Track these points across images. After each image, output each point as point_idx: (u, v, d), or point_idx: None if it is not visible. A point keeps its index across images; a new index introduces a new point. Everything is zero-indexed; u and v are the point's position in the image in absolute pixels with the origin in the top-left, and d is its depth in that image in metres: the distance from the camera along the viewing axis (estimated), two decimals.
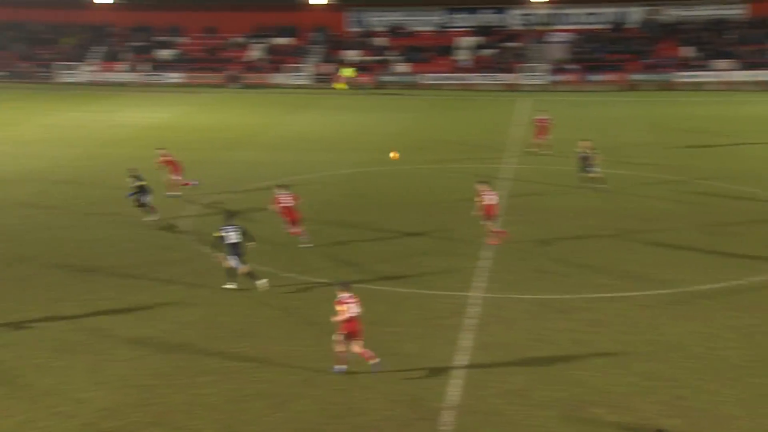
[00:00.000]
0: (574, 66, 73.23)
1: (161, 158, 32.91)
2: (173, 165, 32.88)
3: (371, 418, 15.51)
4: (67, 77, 76.11)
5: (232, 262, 22.13)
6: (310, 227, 27.86)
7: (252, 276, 22.33)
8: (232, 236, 22.13)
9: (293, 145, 44.75)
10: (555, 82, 72.00)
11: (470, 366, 17.67)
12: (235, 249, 22.09)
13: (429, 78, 73.80)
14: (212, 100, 64.71)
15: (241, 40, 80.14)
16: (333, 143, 45.42)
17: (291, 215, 26.44)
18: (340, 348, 17.19)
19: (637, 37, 75.67)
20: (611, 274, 23.49)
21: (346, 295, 17.15)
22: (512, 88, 71.48)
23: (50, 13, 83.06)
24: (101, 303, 21.28)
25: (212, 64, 77.07)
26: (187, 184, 33.07)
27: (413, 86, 72.99)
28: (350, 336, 17.08)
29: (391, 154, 29.96)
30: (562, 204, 31.41)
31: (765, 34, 73.43)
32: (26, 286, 22.51)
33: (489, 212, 26.01)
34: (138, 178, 29.06)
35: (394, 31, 79.64)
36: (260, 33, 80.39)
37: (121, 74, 76.44)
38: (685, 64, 71.97)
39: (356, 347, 17.12)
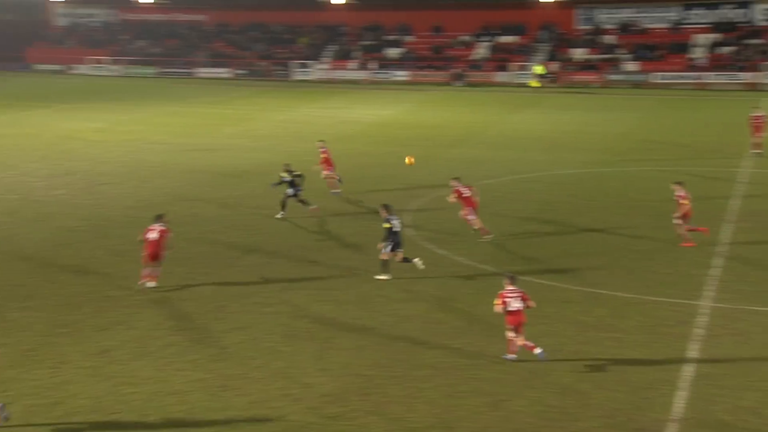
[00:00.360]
0: None
1: (321, 152, 32.92)
2: (327, 160, 32.78)
3: (589, 425, 15.17)
4: (301, 75, 79.91)
5: (388, 250, 22.80)
6: (533, 227, 27.68)
7: (406, 260, 23.05)
8: (397, 225, 22.97)
9: (515, 144, 44.57)
10: None
11: (697, 378, 16.86)
12: (396, 237, 22.88)
13: (660, 77, 71.06)
14: (436, 97, 65.66)
15: (467, 38, 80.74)
16: (555, 143, 44.80)
17: (470, 205, 26.61)
18: (510, 336, 17.76)
19: None
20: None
21: (510, 288, 17.69)
22: (753, 87, 67.34)
23: (289, 15, 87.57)
24: (326, 293, 22.18)
25: (437, 62, 78.18)
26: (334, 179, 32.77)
27: (642, 85, 70.55)
28: (516, 328, 17.59)
29: (407, 160, 27.02)
30: None
31: None
32: (259, 273, 23.85)
33: (685, 214, 25.30)
34: (290, 172, 29.42)
35: (625, 29, 77.29)
36: (487, 31, 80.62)
37: (351, 72, 79.22)
38: None
39: (519, 340, 17.60)
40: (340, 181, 32.94)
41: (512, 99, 64.15)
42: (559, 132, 48.54)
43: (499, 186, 34.63)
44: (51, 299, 21.50)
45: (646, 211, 29.86)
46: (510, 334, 17.70)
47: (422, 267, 23.20)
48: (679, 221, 25.67)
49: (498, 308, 17.70)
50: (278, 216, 29.30)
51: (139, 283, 22.35)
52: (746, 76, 68.43)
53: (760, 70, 68.31)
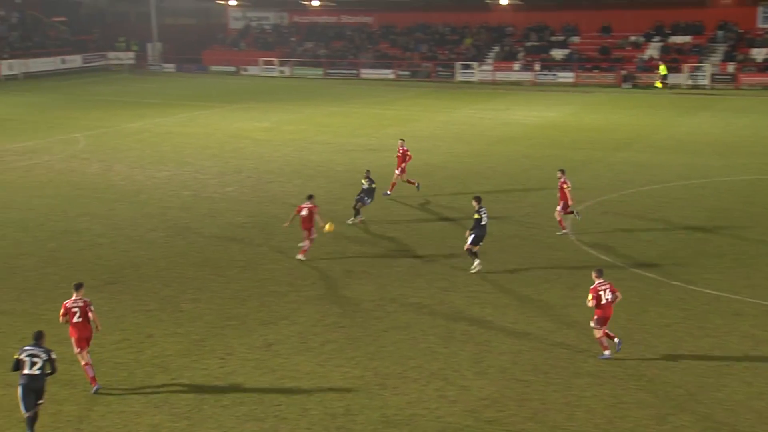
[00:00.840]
0: None
1: (400, 149, 32.92)
2: (401, 158, 32.67)
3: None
4: (464, 76, 79.99)
5: (470, 240, 23.61)
6: (703, 235, 26.74)
7: (473, 254, 23.67)
8: (485, 218, 23.70)
9: (685, 148, 42.98)
10: None
11: None
12: (482, 231, 23.67)
13: None
14: (603, 100, 64.20)
15: (637, 38, 78.49)
16: (730, 147, 42.89)
17: (564, 199, 27.10)
18: (599, 335, 17.84)
19: None
20: None
21: (600, 281, 17.86)
22: None
23: (454, 16, 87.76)
24: (484, 296, 22.17)
25: (605, 63, 76.42)
26: (410, 182, 32.84)
27: None
28: (602, 321, 17.69)
29: (327, 227, 24.85)
30: None
31: None
32: (418, 272, 24.11)
33: None
34: (370, 180, 29.14)
35: None
36: (659, 31, 78.10)
37: (515, 73, 78.62)
38: None
39: (600, 332, 17.78)
40: (417, 187, 32.96)
41: (683, 101, 61.88)
42: (734, 136, 46.44)
43: (667, 191, 33.52)
44: (220, 292, 22.53)
45: None
46: (597, 333, 17.88)
47: (475, 270, 23.73)
48: None
49: (591, 303, 17.82)
50: (349, 221, 29.05)
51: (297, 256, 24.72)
52: None
53: None
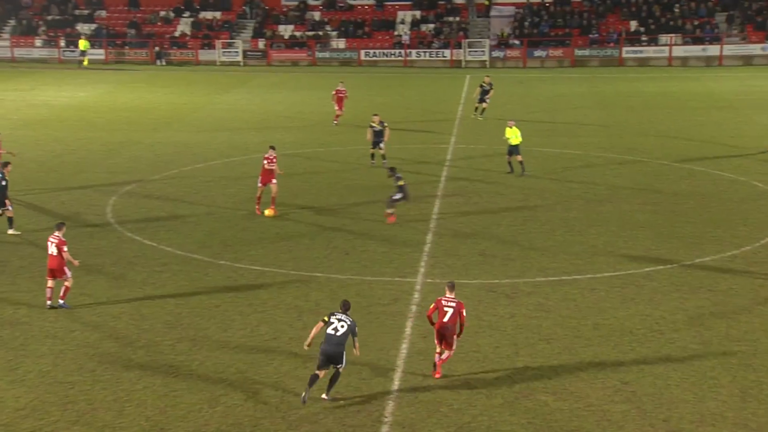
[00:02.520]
0: (517, 41, 73.76)
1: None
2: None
3: (310, 411, 15.51)
4: None
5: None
6: (250, 210, 27.83)
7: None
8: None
9: (224, 126, 44.32)
10: (499, 58, 72.44)
11: (412, 354, 17.78)
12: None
13: (368, 54, 73.63)
14: (137, 78, 63.72)
15: (167, 13, 78.87)
16: (266, 124, 45.09)
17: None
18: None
19: (582, 11, 76.48)
20: (557, 257, 23.82)
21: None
22: (455, 64, 71.75)
23: None
24: (17, 296, 20.89)
25: (136, 39, 75.77)
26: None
27: (352, 63, 72.77)
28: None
29: (267, 211, 27.13)
30: (507, 185, 31.69)
31: (710, 8, 74.81)
32: None
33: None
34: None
35: (331, 5, 79.19)
36: (189, 6, 79.21)
37: (37, 49, 74.72)
38: (631, 39, 72.98)
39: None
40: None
41: (219, 78, 63.72)
42: (269, 112, 48.91)
43: (210, 170, 34.32)
44: None
45: (362, 192, 30.87)
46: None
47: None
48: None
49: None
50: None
51: None
52: (448, 54, 72.74)
53: (461, 48, 72.89)
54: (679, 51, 71.04)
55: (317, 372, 15.70)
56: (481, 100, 44.72)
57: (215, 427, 15.07)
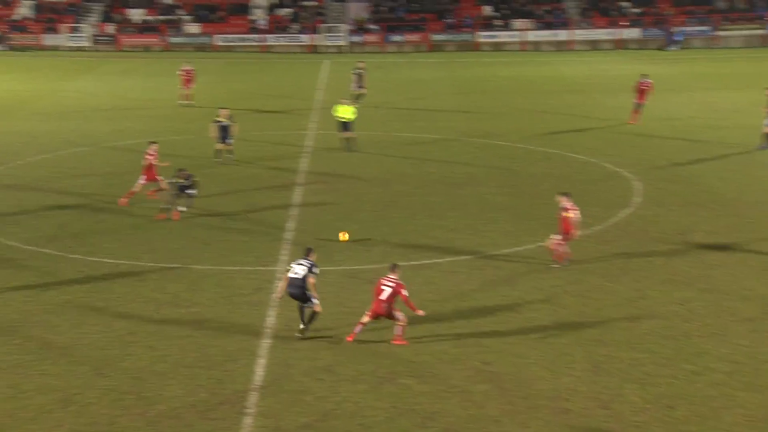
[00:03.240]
0: (375, 26, 74.24)
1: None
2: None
3: (170, 407, 15.24)
4: None
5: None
6: (97, 203, 27.04)
7: None
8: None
9: (72, 114, 42.89)
10: (356, 43, 72.75)
11: (275, 344, 17.72)
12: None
13: (223, 39, 72.57)
14: None
15: None
16: (116, 111, 43.87)
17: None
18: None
19: None
20: (417, 241, 24.16)
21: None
22: (313, 49, 71.62)
23: None
24: None
25: None
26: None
27: (207, 48, 71.56)
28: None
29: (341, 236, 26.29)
30: (367, 170, 31.93)
31: None
32: None
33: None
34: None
35: None
36: None
37: None
38: (486, 24, 74.64)
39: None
40: None
41: (65, 64, 61.51)
42: (120, 99, 47.59)
43: (59, 161, 33.15)
44: None
45: (219, 182, 30.36)
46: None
47: None
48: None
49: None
50: None
51: None
52: (306, 39, 72.51)
53: (318, 32, 72.75)
54: (532, 36, 73.24)
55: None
56: (360, 86, 44.38)
57: (69, 427, 14.60)
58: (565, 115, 42.64)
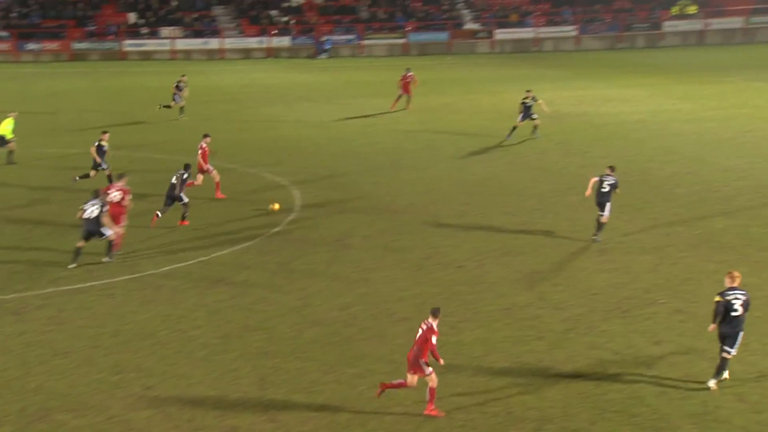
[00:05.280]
0: (5, 33, 70.07)
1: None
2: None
3: None
4: None
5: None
6: None
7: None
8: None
9: None
10: None
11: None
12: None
13: None
14: None
15: None
16: None
17: None
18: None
19: (76, 1, 74.85)
20: (70, 265, 23.04)
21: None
22: None
23: None
24: None
25: None
26: None
27: None
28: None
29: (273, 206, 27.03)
30: (11, 186, 30.04)
31: (207, 1, 77.65)
32: None
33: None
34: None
35: None
36: None
37: None
38: (132, 32, 73.15)
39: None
40: None
41: None
42: None
43: None
44: None
45: None
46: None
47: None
48: None
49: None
50: None
51: None
52: None
53: None
54: (182, 44, 72.88)
55: (79, 245, 22.48)
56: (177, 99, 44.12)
57: None
58: (223, 126, 42.61)
